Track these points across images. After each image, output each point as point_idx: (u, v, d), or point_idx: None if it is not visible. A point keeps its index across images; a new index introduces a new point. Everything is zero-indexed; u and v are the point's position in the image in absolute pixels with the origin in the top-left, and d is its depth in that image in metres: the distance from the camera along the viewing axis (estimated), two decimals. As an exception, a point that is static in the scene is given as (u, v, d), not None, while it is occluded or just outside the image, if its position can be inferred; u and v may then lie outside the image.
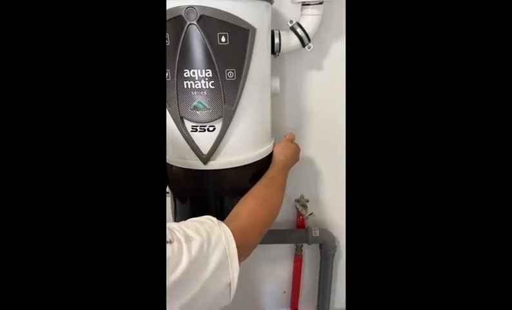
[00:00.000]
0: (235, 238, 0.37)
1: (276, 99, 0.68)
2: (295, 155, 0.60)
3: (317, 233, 0.78)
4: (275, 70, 0.64)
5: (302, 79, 0.69)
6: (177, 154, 0.51)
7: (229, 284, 0.35)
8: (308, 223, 0.81)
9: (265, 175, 0.52)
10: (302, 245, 0.85)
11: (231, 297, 0.36)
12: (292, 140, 0.61)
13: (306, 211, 0.77)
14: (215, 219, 0.39)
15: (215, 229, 0.36)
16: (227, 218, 0.43)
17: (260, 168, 0.53)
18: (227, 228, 0.37)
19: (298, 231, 0.81)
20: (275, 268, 0.91)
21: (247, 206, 0.46)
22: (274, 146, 0.58)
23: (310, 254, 0.88)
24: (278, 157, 0.56)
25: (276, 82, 0.59)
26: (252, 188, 0.49)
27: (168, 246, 0.31)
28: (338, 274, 0.89)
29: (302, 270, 0.88)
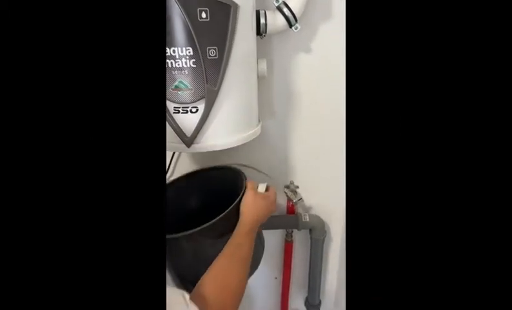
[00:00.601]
0: None
1: (263, 81, 0.67)
2: (266, 210, 0.52)
3: (307, 218, 0.78)
4: (262, 52, 0.62)
5: (289, 61, 0.68)
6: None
7: None
8: (298, 208, 0.81)
9: (231, 241, 0.47)
10: (292, 232, 0.85)
11: None
12: (254, 189, 0.53)
13: (296, 196, 0.77)
14: (187, 297, 0.37)
15: None
16: (195, 291, 0.41)
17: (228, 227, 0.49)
18: None
19: (288, 217, 0.81)
20: (266, 254, 0.91)
21: (213, 290, 0.41)
22: (243, 196, 0.51)
23: (300, 240, 0.88)
24: (246, 218, 0.49)
25: (263, 65, 0.58)
26: (216, 261, 0.44)
27: None
28: (329, 258, 0.90)
29: (292, 256, 0.88)
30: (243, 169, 0.75)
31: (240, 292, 0.44)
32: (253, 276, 0.96)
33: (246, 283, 0.46)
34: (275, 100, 0.71)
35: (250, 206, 0.50)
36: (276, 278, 0.95)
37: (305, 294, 0.94)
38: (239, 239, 0.47)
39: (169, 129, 0.48)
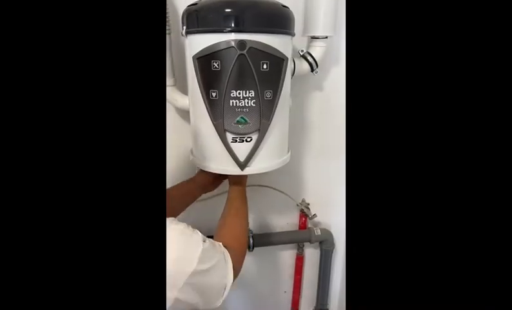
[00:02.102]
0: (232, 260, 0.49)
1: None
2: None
3: (319, 232, 0.88)
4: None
5: (305, 97, 0.80)
6: (216, 162, 0.58)
7: (225, 287, 0.47)
8: (309, 224, 0.91)
9: (231, 204, 0.62)
10: (303, 245, 0.94)
11: (223, 297, 0.47)
12: None
13: (310, 212, 0.87)
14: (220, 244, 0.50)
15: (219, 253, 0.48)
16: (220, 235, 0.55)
17: None
18: (227, 253, 0.49)
19: (301, 232, 0.90)
20: (276, 268, 0.99)
21: (232, 233, 0.56)
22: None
23: (310, 254, 0.97)
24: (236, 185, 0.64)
25: (291, 101, 0.69)
26: (225, 219, 0.59)
27: (206, 241, 0.45)
28: (335, 270, 0.99)
29: (303, 269, 0.97)
30: (259, 188, 0.84)
31: (246, 240, 0.59)
32: (262, 291, 1.03)
33: (247, 232, 0.64)
34: (292, 129, 0.83)
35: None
36: (285, 292, 1.02)
37: (313, 307, 1.01)
38: (237, 202, 0.61)
39: (225, 156, 0.56)
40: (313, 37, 0.68)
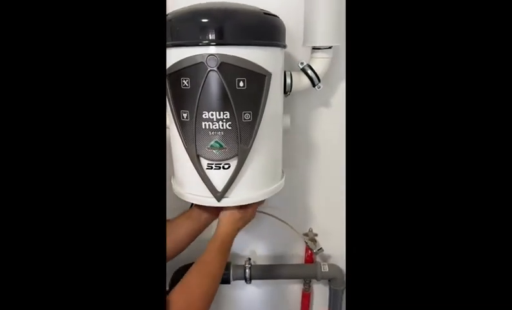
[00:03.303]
0: None
1: (286, 134, 0.70)
2: (240, 221, 0.55)
3: (326, 268, 0.77)
4: (286, 108, 0.66)
5: (310, 115, 0.71)
6: (192, 190, 0.52)
7: None
8: (317, 257, 0.80)
9: (201, 257, 0.49)
10: (310, 281, 0.83)
11: None
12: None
13: (315, 245, 0.76)
14: None
15: None
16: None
17: None
18: None
19: (307, 266, 0.80)
20: (282, 304, 0.89)
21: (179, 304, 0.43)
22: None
23: (319, 290, 0.86)
24: (220, 231, 0.52)
25: (287, 120, 0.61)
26: (185, 276, 0.46)
27: None
28: (348, 311, 0.86)
29: (310, 308, 0.85)
30: (262, 216, 0.76)
31: (205, 306, 0.46)
32: (268, 328, 0.93)
33: (212, 297, 0.48)
34: (296, 151, 0.74)
35: (226, 219, 0.53)
36: (292, 329, 0.91)
37: (323, 349, 0.89)
38: (208, 256, 0.49)
39: (200, 184, 0.50)
40: (315, 48, 0.59)
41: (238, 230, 0.55)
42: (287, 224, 0.76)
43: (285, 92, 0.60)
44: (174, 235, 0.56)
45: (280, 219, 0.76)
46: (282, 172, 0.61)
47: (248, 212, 0.56)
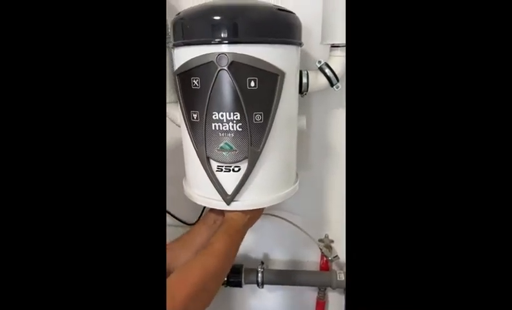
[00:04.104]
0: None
1: (301, 134, 0.67)
2: (247, 215, 0.51)
3: (342, 277, 0.73)
4: (302, 109, 0.63)
5: (328, 116, 0.68)
6: (201, 192, 0.50)
7: None
8: (333, 264, 0.77)
9: (214, 237, 0.47)
10: (325, 289, 0.80)
11: None
12: None
13: (331, 253, 0.73)
14: None
15: None
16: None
17: None
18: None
19: (322, 273, 0.77)
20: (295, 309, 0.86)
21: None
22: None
23: (334, 299, 0.82)
24: (230, 214, 0.50)
25: (303, 121, 0.58)
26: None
27: None
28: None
29: (324, 316, 0.82)
30: (276, 219, 0.73)
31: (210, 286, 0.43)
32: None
33: (220, 279, 0.47)
34: (312, 153, 0.71)
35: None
36: (305, 338, 0.88)
37: None
38: (213, 237, 0.47)
39: (210, 186, 0.48)
40: (333, 46, 0.56)
41: (249, 221, 0.52)
42: (301, 229, 0.73)
43: (301, 92, 0.57)
44: (194, 246, 0.52)
45: (294, 224, 0.74)
46: (297, 175, 0.58)
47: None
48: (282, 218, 0.73)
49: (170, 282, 0.39)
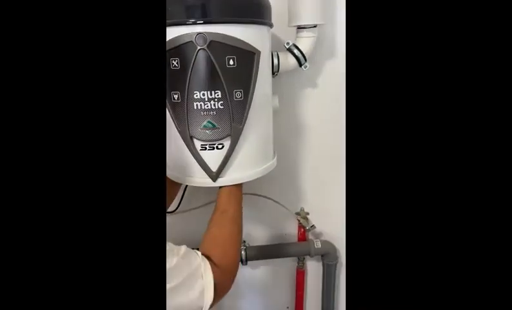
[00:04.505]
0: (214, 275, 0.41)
1: (276, 115, 0.71)
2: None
3: (319, 245, 0.79)
4: (274, 89, 0.67)
5: (298, 96, 0.72)
6: (186, 172, 0.52)
7: (203, 291, 0.40)
8: (309, 234, 0.83)
9: (217, 207, 0.51)
10: (304, 258, 0.86)
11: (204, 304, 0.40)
12: None
13: (308, 223, 0.79)
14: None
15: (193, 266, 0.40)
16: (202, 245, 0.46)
17: None
18: (208, 266, 0.41)
19: (300, 244, 0.82)
20: (277, 283, 0.91)
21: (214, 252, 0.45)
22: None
23: (312, 266, 0.89)
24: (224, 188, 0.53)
25: (276, 100, 0.62)
26: (209, 230, 0.48)
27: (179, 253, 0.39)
28: (341, 284, 0.90)
29: (304, 284, 0.88)
30: (255, 198, 0.77)
31: (235, 253, 0.48)
32: (263, 306, 0.95)
33: (240, 243, 0.51)
34: (285, 132, 0.75)
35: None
36: (287, 307, 0.94)
37: (318, 323, 0.93)
38: (222, 206, 0.51)
39: (195, 165, 0.50)
40: (300, 27, 0.60)
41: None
42: (280, 204, 0.78)
43: (273, 73, 0.61)
44: None
45: (273, 200, 0.78)
46: (274, 152, 0.62)
47: None
48: (262, 196, 0.77)
49: (206, 251, 0.43)
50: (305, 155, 0.78)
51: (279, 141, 0.74)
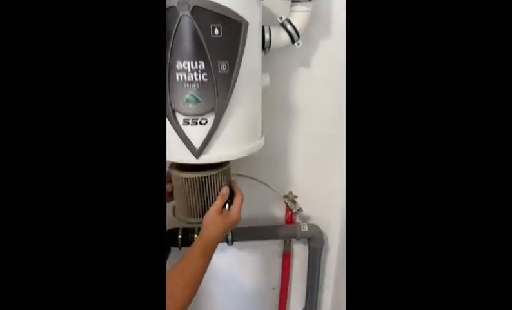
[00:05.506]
0: None
1: (265, 94, 0.68)
2: (222, 229, 0.53)
3: (306, 228, 0.79)
4: (265, 66, 0.64)
5: (290, 75, 0.70)
6: (168, 147, 0.50)
7: None
8: (297, 218, 0.82)
9: (185, 256, 0.49)
10: (290, 241, 0.85)
11: None
12: (220, 209, 0.54)
13: (295, 206, 0.78)
14: None
15: None
16: None
17: None
18: None
19: (287, 226, 0.82)
20: (264, 265, 0.92)
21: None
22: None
23: (298, 249, 0.89)
24: (204, 235, 0.52)
25: (267, 78, 0.59)
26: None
27: None
28: (327, 269, 0.91)
29: (290, 267, 0.89)
30: (243, 179, 0.76)
31: (183, 302, 0.45)
32: (249, 287, 0.96)
33: (193, 296, 0.47)
34: (276, 112, 0.73)
35: (210, 221, 0.52)
36: (273, 288, 0.95)
37: (303, 306, 0.94)
38: (191, 256, 0.49)
39: (177, 141, 0.48)
40: (294, 1, 0.57)
41: (225, 232, 0.54)
42: (268, 186, 0.76)
43: (263, 48, 0.58)
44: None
45: (261, 182, 0.77)
46: (262, 132, 0.60)
47: (231, 216, 0.55)
48: (249, 177, 0.76)
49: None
50: (296, 137, 0.76)
51: (269, 122, 0.72)
